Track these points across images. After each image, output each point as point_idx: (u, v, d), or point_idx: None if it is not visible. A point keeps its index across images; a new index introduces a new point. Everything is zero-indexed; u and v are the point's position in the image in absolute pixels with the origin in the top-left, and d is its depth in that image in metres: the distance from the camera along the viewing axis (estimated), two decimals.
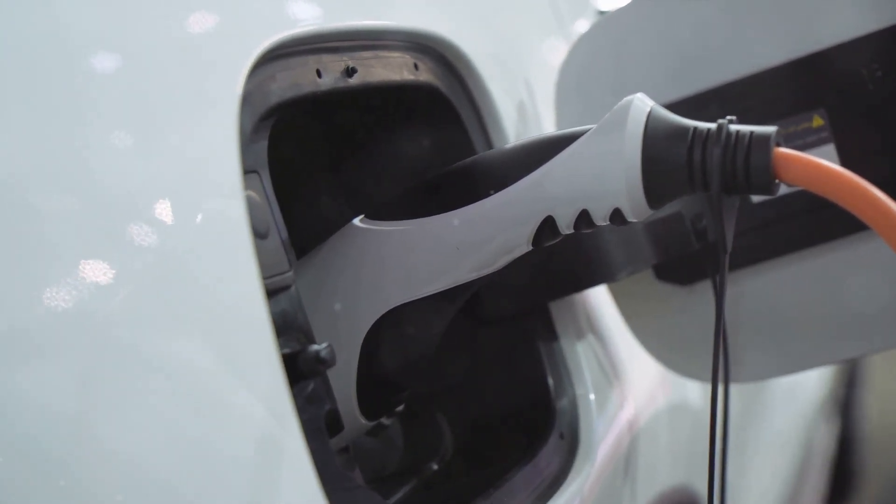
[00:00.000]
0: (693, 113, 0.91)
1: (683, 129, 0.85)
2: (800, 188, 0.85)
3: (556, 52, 1.22)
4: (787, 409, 2.30)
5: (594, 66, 1.17)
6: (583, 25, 1.39)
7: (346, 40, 0.93)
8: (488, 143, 1.08)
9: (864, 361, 3.07)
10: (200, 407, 0.70)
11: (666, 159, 0.85)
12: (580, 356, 1.10)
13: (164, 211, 0.71)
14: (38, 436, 0.62)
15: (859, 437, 3.11)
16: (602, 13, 1.45)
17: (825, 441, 2.76)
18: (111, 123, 0.70)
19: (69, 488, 0.63)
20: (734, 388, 1.66)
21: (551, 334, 1.10)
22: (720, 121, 0.85)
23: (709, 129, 0.85)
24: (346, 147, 1.09)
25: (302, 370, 0.82)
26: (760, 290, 1.14)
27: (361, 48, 0.95)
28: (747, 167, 0.83)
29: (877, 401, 3.29)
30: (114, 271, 0.67)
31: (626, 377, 1.18)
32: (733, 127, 0.84)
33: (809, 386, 2.50)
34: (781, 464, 2.23)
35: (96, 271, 0.66)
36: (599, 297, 1.18)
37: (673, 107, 1.08)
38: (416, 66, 1.01)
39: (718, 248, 0.86)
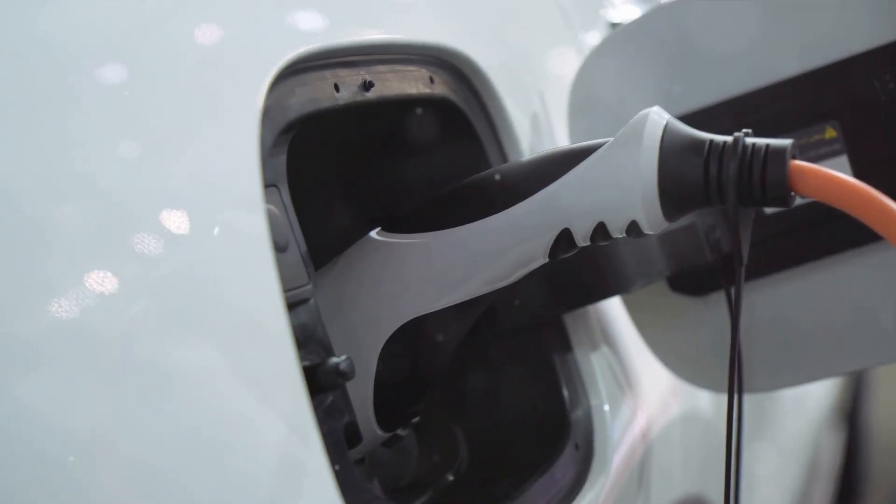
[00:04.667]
0: (706, 125, 0.92)
1: (699, 142, 0.86)
2: (812, 200, 0.86)
3: (569, 65, 1.23)
4: (795, 418, 2.30)
5: (606, 78, 1.17)
6: (594, 37, 1.40)
7: (363, 54, 0.93)
8: (502, 156, 1.08)
9: (871, 371, 3.07)
10: (223, 419, 0.70)
11: (682, 172, 0.85)
12: (594, 367, 1.11)
13: (187, 225, 0.71)
14: (59, 447, 0.63)
15: (866, 447, 3.11)
16: (613, 25, 1.46)
17: (832, 451, 2.77)
18: (135, 137, 0.71)
19: (88, 499, 0.63)
20: (744, 398, 1.67)
21: (566, 346, 1.10)
22: (736, 134, 0.85)
23: (725, 142, 0.85)
24: (362, 160, 1.10)
25: (322, 383, 0.82)
26: (773, 300, 1.14)
27: (378, 62, 0.95)
28: (763, 180, 0.84)
29: (883, 410, 3.30)
30: (137, 284, 0.67)
31: (640, 388, 1.19)
32: (749, 140, 0.85)
33: (817, 395, 2.50)
34: (788, 473, 2.23)
35: (120, 284, 0.67)
36: (613, 309, 1.18)
37: (686, 119, 1.09)
38: (431, 80, 1.01)
39: (735, 260, 0.86)
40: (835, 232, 1.10)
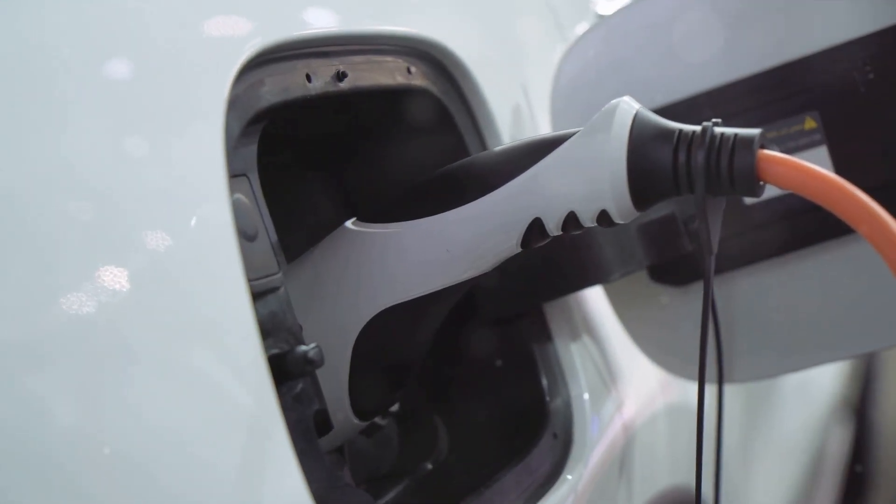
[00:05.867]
0: (687, 116, 0.92)
1: (669, 132, 0.86)
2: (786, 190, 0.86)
3: (554, 56, 1.23)
4: (799, 411, 2.29)
5: (590, 69, 1.18)
6: (582, 29, 1.40)
7: (337, 45, 0.94)
8: (483, 147, 1.09)
9: (879, 363, 3.05)
10: (185, 407, 0.70)
11: (651, 161, 0.86)
12: (574, 357, 1.11)
13: (149, 215, 0.72)
14: (33, 438, 0.63)
15: (875, 442, 3.10)
16: (602, 17, 1.46)
17: (838, 445, 2.75)
18: (95, 128, 0.71)
19: (57, 486, 0.64)
20: (739, 389, 1.66)
21: (545, 335, 1.10)
22: (705, 123, 0.85)
23: (693, 132, 0.86)
24: (340, 151, 1.10)
25: (290, 370, 0.83)
26: (755, 290, 1.14)
27: (353, 53, 0.96)
28: (731, 169, 0.84)
29: (893, 402, 3.27)
30: (97, 275, 0.68)
31: (622, 378, 1.19)
32: (718, 129, 0.85)
33: (822, 388, 2.48)
34: (792, 467, 2.22)
35: (80, 276, 0.67)
36: (594, 299, 1.18)
37: (667, 110, 1.09)
38: (409, 70, 1.02)
39: (703, 249, 0.86)
40: (816, 222, 1.10)
